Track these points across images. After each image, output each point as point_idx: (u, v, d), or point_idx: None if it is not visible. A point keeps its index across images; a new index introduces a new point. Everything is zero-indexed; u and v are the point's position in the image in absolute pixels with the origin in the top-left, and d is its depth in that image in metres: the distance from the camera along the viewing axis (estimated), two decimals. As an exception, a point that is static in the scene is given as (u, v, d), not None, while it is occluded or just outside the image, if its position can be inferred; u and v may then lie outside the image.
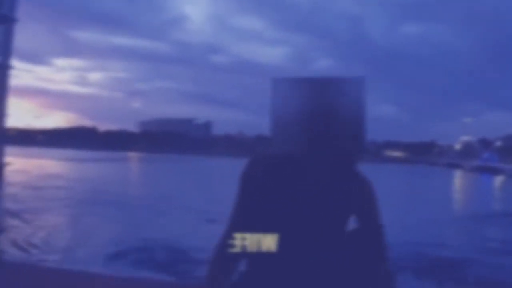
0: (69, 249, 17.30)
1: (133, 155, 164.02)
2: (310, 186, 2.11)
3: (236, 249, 2.10)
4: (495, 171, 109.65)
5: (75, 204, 29.53)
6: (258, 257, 2.09)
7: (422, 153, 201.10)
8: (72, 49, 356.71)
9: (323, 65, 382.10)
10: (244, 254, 2.11)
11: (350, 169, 2.17)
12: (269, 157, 2.17)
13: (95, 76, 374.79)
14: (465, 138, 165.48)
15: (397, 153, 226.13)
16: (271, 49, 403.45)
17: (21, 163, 59.44)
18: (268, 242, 2.07)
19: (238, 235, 2.10)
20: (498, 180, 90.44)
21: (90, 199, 31.68)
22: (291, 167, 2.14)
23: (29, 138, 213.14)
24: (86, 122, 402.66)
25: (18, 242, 17.49)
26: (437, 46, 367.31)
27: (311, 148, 2.05)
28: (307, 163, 2.12)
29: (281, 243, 2.08)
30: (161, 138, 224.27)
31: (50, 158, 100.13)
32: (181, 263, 15.34)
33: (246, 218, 2.15)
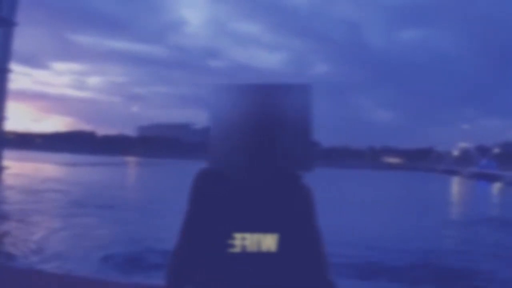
0: (62, 252, 17.34)
1: (131, 159, 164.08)
2: (252, 198, 2.09)
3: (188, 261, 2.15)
4: (492, 178, 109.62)
5: (71, 207, 29.58)
6: (207, 269, 2.11)
7: (420, 159, 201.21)
8: (70, 53, 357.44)
9: (320, 70, 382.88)
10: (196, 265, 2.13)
11: (292, 178, 2.12)
12: (217, 168, 2.13)
13: (93, 80, 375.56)
14: (463, 144, 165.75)
15: (394, 159, 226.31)
16: (269, 54, 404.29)
17: (19, 167, 59.44)
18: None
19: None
20: (496, 186, 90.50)
21: (86, 203, 31.73)
22: (235, 177, 2.11)
23: (27, 142, 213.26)
24: (85, 126, 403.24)
25: (14, 245, 17.50)
26: (435, 52, 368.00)
27: (252, 158, 2.02)
28: (249, 173, 2.09)
29: (224, 255, 2.09)
30: (159, 143, 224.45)
31: (48, 162, 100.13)
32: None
33: (194, 231, 2.15)
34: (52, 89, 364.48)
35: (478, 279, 16.69)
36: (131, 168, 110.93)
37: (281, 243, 2.03)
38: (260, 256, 2.03)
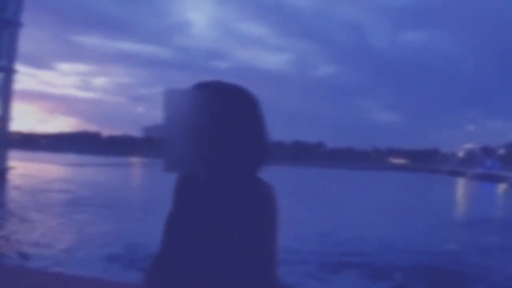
0: (65, 252, 17.46)
1: (136, 160, 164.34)
2: (205, 202, 2.12)
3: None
4: (497, 179, 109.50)
5: (76, 207, 29.72)
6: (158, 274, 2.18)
7: (425, 160, 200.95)
8: (75, 54, 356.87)
9: (325, 71, 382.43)
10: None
11: (248, 183, 2.09)
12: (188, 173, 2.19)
13: (98, 81, 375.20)
14: (468, 145, 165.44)
15: (399, 161, 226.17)
16: (273, 56, 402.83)
17: (24, 168, 59.61)
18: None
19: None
20: (501, 187, 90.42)
21: (91, 203, 31.87)
22: (191, 182, 2.17)
23: (32, 143, 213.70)
24: (90, 127, 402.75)
25: (17, 245, 17.63)
26: (440, 53, 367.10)
27: (206, 161, 2.05)
28: (200, 179, 2.14)
29: (171, 262, 2.15)
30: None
31: (53, 163, 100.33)
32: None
33: (163, 232, 2.22)
34: (57, 89, 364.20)
35: (476, 281, 16.76)
36: (136, 169, 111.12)
37: (226, 250, 2.02)
38: (202, 260, 2.05)
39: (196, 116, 2.00)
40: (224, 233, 2.03)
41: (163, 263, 2.18)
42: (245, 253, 2.01)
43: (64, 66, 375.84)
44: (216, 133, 2.02)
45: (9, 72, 31.53)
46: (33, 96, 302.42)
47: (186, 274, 2.08)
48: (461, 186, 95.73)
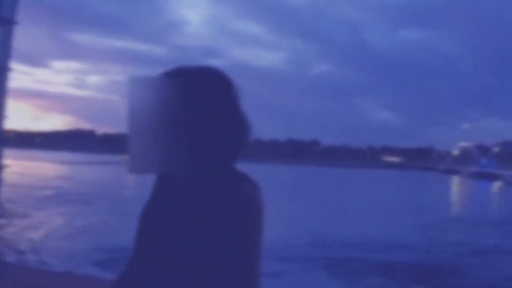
0: (57, 249, 17.46)
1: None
2: (177, 203, 1.93)
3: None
4: (492, 177, 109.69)
5: (69, 205, 29.79)
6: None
7: (420, 158, 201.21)
8: (70, 52, 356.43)
9: (321, 70, 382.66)
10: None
11: (223, 181, 1.89)
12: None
13: (93, 79, 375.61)
14: (463, 144, 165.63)
15: (394, 159, 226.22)
16: (269, 54, 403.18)
17: (20, 166, 59.47)
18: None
19: None
20: (496, 186, 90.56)
21: (85, 201, 31.93)
22: (170, 177, 1.97)
23: (27, 141, 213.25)
24: (84, 125, 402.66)
25: (11, 243, 17.60)
26: (436, 52, 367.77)
27: (175, 162, 1.81)
28: (175, 173, 1.90)
29: (135, 264, 2.00)
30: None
31: (48, 161, 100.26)
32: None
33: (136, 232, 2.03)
34: (52, 87, 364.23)
35: (464, 278, 16.77)
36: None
37: (202, 255, 1.84)
38: (176, 266, 1.88)
39: (166, 107, 1.76)
40: (201, 236, 1.85)
41: (134, 265, 2.01)
42: (224, 260, 1.84)
43: (59, 64, 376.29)
44: (190, 125, 1.81)
45: (4, 70, 31.34)
46: (28, 94, 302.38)
47: (158, 279, 1.91)
48: (456, 185, 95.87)
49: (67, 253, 16.89)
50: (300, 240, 21.48)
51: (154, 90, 1.76)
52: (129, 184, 53.80)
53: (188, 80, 1.83)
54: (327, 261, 18.02)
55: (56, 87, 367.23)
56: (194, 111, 1.82)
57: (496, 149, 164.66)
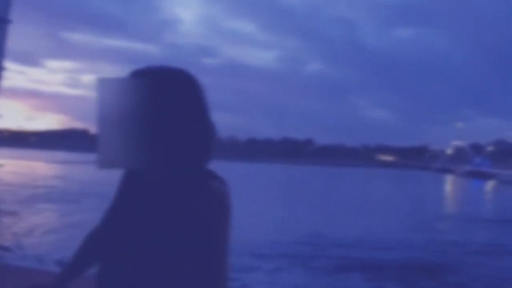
0: (45, 246, 17.48)
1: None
2: (144, 202, 1.94)
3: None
4: (487, 176, 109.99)
5: (61, 203, 29.88)
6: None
7: (414, 157, 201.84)
8: (65, 51, 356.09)
9: (315, 68, 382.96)
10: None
11: (190, 179, 1.91)
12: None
13: (87, 78, 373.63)
14: (457, 143, 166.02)
15: (388, 158, 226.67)
16: (263, 52, 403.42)
17: (13, 165, 59.46)
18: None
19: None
20: (490, 185, 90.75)
21: (79, 200, 31.97)
22: (137, 176, 2.01)
23: (21, 140, 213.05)
24: (78, 124, 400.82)
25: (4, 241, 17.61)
26: (430, 51, 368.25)
27: (142, 159, 1.84)
28: (145, 173, 1.96)
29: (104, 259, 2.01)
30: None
31: (42, 160, 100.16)
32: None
33: (104, 219, 2.06)
34: (46, 87, 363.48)
35: (456, 276, 16.79)
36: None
37: (169, 254, 1.85)
38: (141, 265, 1.87)
39: (134, 107, 1.80)
40: (168, 235, 1.86)
41: (104, 262, 2.01)
42: (190, 259, 1.84)
43: (53, 63, 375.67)
44: (157, 124, 1.84)
45: (-3, 69, 31.43)
46: (22, 94, 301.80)
47: (127, 274, 1.90)
48: (450, 184, 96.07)
49: (54, 250, 16.86)
50: (285, 238, 21.52)
51: (122, 90, 1.80)
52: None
53: (156, 80, 1.85)
54: (307, 258, 18.04)
55: (50, 86, 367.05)
56: (160, 110, 1.84)
57: (490, 148, 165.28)
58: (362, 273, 16.33)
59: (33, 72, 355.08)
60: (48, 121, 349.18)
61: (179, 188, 1.89)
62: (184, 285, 1.85)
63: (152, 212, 1.90)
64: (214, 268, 1.88)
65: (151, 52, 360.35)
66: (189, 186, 1.89)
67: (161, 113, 1.85)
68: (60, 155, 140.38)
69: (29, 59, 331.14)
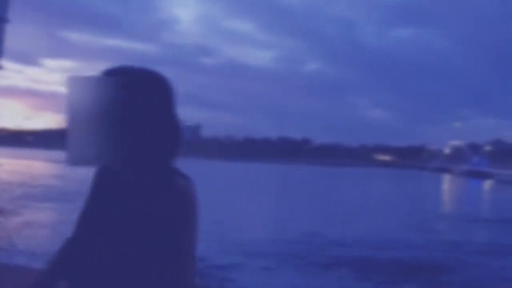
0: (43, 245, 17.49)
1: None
2: (114, 200, 1.99)
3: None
4: (484, 176, 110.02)
5: (61, 203, 29.85)
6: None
7: (412, 157, 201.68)
8: (62, 50, 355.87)
9: (313, 68, 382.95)
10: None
11: (157, 176, 1.95)
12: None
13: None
14: (455, 142, 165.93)
15: (387, 157, 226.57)
16: (261, 52, 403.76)
17: (10, 164, 59.48)
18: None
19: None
20: (487, 184, 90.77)
21: (76, 199, 32.02)
22: (108, 174, 2.05)
23: (19, 139, 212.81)
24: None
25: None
26: (429, 51, 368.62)
27: (110, 156, 1.85)
28: (115, 172, 2.00)
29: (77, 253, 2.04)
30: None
31: (40, 160, 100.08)
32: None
33: (78, 224, 2.10)
34: (45, 86, 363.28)
35: (450, 275, 16.80)
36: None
37: (138, 251, 1.88)
38: (112, 262, 1.91)
39: (103, 104, 1.82)
40: (136, 232, 1.89)
41: (71, 259, 2.06)
42: (158, 255, 1.87)
43: (51, 63, 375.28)
44: (125, 122, 1.85)
45: (-5, 68, 31.44)
46: (19, 93, 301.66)
47: (94, 274, 1.94)
48: (447, 183, 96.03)
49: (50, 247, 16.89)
50: (280, 236, 21.56)
51: (92, 88, 1.81)
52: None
53: (125, 80, 1.87)
54: (300, 256, 18.07)
55: (49, 85, 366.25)
56: (129, 109, 1.85)
57: (487, 148, 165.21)
58: (353, 271, 16.34)
59: (32, 71, 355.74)
60: (46, 120, 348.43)
61: (146, 186, 1.92)
62: (153, 281, 1.86)
63: (122, 210, 1.93)
64: (182, 263, 1.90)
65: (149, 51, 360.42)
66: (155, 184, 1.92)
67: (130, 112, 1.86)
68: (58, 154, 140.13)
69: (28, 59, 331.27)
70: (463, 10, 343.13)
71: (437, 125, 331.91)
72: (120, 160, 1.88)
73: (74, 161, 1.80)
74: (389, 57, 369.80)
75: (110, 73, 1.94)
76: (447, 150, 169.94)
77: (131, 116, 1.87)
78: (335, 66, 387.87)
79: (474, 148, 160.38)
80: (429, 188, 71.77)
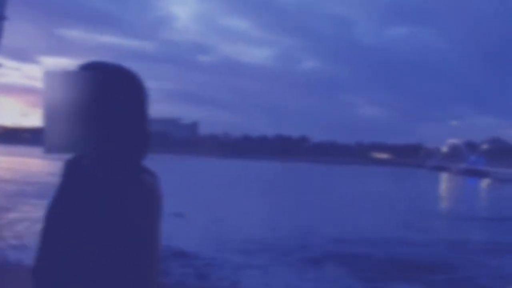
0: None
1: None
2: (81, 195, 2.00)
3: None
4: (481, 174, 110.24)
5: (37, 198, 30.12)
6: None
7: (409, 155, 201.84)
8: (60, 48, 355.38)
9: (310, 65, 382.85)
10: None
11: (124, 172, 1.99)
12: (76, 157, 2.10)
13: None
14: (452, 141, 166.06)
15: (383, 155, 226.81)
16: (258, 50, 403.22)
17: (7, 162, 59.49)
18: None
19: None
20: (485, 183, 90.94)
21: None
22: (76, 169, 2.07)
23: (16, 137, 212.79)
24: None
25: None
26: (425, 48, 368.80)
27: (83, 145, 1.93)
28: (84, 165, 2.03)
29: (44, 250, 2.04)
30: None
31: (37, 157, 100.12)
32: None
33: (45, 218, 2.08)
34: (41, 83, 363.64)
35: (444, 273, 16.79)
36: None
37: (104, 245, 1.90)
38: (78, 258, 1.92)
39: (78, 98, 1.91)
40: (102, 226, 1.93)
41: (42, 257, 2.04)
42: (123, 251, 1.90)
43: (48, 60, 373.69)
44: (98, 115, 1.93)
45: (-7, 66, 31.45)
46: (17, 90, 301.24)
47: (62, 272, 1.94)
48: (444, 181, 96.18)
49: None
50: (274, 234, 21.62)
51: (68, 82, 1.91)
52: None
53: (100, 75, 1.94)
54: (290, 252, 18.13)
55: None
56: (102, 103, 1.92)
57: (485, 146, 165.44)
58: (345, 267, 16.34)
59: (29, 69, 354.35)
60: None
61: (114, 181, 1.96)
62: (120, 275, 1.89)
63: (89, 205, 1.96)
64: (148, 259, 1.94)
65: (146, 49, 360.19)
66: (123, 179, 1.97)
67: (102, 106, 1.92)
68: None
69: (25, 56, 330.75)
70: (459, 8, 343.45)
71: (434, 123, 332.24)
72: (92, 151, 1.97)
73: (49, 149, 1.88)
74: (385, 55, 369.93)
75: (86, 68, 2.01)
76: (444, 149, 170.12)
77: (104, 111, 1.93)
78: (332, 64, 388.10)
79: (472, 146, 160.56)
80: (426, 186, 71.95)
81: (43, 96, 1.91)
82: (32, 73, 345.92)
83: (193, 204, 28.14)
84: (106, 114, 1.94)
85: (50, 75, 1.93)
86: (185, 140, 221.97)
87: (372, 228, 24.70)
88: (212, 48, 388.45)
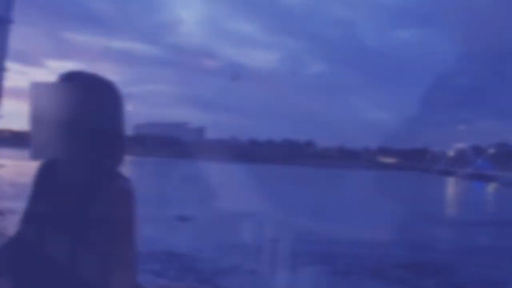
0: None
1: (125, 158, 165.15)
2: (57, 199, 2.08)
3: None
4: (488, 179, 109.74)
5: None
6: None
7: (415, 159, 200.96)
8: (65, 51, 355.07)
9: (316, 69, 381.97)
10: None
11: (105, 176, 2.10)
12: (50, 161, 2.20)
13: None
14: (459, 145, 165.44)
15: (390, 159, 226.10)
16: (264, 54, 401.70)
17: (14, 166, 59.56)
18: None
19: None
20: (491, 187, 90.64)
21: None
22: (51, 173, 2.17)
23: (22, 140, 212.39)
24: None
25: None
26: (431, 52, 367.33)
27: (66, 154, 2.05)
28: (67, 167, 2.13)
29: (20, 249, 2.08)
30: (155, 142, 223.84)
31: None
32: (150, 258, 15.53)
33: (24, 216, 2.19)
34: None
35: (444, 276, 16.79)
36: (125, 167, 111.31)
37: (79, 250, 1.94)
38: (54, 261, 1.95)
39: (61, 108, 2.02)
40: (77, 229, 1.98)
41: (14, 260, 2.08)
42: (99, 255, 1.95)
43: (54, 64, 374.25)
44: (77, 123, 2.03)
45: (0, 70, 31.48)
46: (23, 94, 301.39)
47: (35, 274, 1.98)
48: (451, 186, 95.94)
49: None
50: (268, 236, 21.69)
51: (51, 92, 2.04)
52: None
53: (82, 86, 2.07)
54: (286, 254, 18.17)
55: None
56: (82, 112, 2.04)
57: (491, 151, 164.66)
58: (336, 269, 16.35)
59: (34, 72, 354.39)
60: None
61: (89, 185, 2.05)
62: (96, 277, 1.93)
63: (64, 208, 2.04)
64: (124, 256, 2.02)
65: (152, 53, 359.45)
66: (97, 184, 2.05)
67: (81, 115, 2.04)
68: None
69: (31, 60, 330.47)
70: (466, 11, 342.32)
71: (440, 127, 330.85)
72: (72, 156, 2.08)
73: (35, 155, 2.04)
74: (392, 59, 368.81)
75: (66, 78, 2.14)
76: (450, 153, 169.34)
77: (82, 119, 2.04)
78: (338, 68, 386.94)
79: (478, 150, 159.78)
80: (432, 190, 71.78)
81: (30, 105, 2.04)
82: (38, 77, 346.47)
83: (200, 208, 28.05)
84: (84, 122, 2.04)
85: (36, 86, 2.05)
86: (192, 144, 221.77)
87: (378, 232, 24.65)
88: (218, 52, 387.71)
